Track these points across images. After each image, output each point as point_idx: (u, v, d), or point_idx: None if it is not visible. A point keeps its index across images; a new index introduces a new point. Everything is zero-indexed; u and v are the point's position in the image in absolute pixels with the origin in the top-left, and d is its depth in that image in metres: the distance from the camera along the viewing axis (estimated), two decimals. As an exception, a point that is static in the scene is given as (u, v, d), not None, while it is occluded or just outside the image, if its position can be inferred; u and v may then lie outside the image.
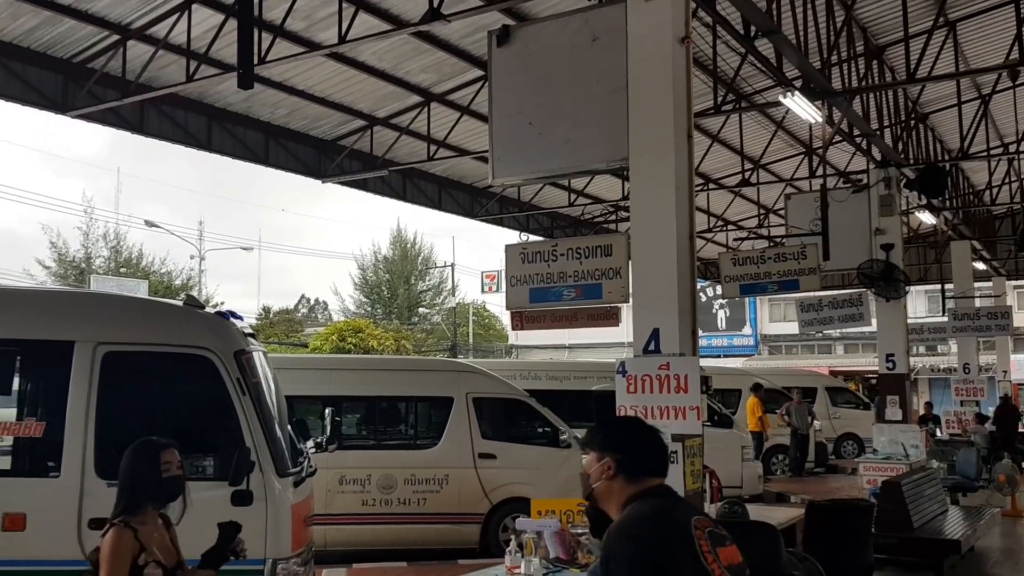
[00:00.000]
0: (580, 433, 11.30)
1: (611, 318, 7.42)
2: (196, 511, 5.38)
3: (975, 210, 22.96)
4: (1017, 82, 15.05)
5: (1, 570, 5.57)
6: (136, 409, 6.10)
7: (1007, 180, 20.27)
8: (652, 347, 6.55)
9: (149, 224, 36.30)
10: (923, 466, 12.63)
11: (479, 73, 12.71)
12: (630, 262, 6.90)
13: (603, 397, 14.24)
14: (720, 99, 13.07)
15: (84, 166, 78.58)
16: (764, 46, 10.24)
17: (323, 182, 14.92)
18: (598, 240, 7.27)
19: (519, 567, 5.23)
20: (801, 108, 10.71)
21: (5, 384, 6.19)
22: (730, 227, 21.75)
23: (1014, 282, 30.88)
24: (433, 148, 14.44)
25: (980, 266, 24.96)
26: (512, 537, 5.52)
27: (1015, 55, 11.72)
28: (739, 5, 8.37)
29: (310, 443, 7.58)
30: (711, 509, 7.35)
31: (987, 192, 21.47)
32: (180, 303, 6.72)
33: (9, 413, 6.28)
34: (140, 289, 31.37)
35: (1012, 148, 18.11)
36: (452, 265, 50.17)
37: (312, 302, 63.45)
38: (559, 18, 7.39)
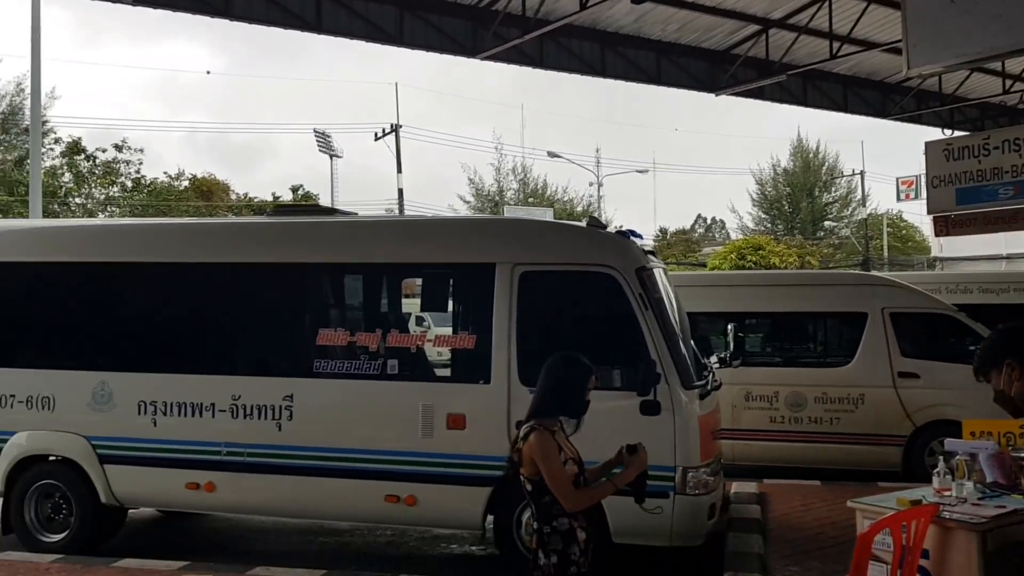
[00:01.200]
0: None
1: (1062, 216, 6.33)
2: (607, 418, 5.71)
3: None
4: None
5: (447, 462, 6.40)
6: (550, 324, 6.56)
7: None
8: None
9: (551, 155, 38.69)
10: None
11: (886, -46, 11.43)
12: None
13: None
14: None
15: (490, 106, 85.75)
16: None
17: (716, 95, 14.60)
18: (1043, 125, 6.18)
19: (949, 490, 4.74)
20: None
21: (442, 302, 7.04)
22: None
23: None
24: (836, 45, 13.36)
25: None
26: (940, 459, 5.02)
27: None
28: None
29: (713, 358, 7.60)
30: None
31: None
32: (584, 225, 7.06)
33: (446, 329, 7.16)
34: (547, 216, 33.68)
35: None
36: (861, 173, 46.73)
37: (709, 221, 63.39)
38: None
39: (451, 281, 7.01)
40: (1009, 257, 42.64)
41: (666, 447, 5.94)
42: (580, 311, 6.58)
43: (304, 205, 28.18)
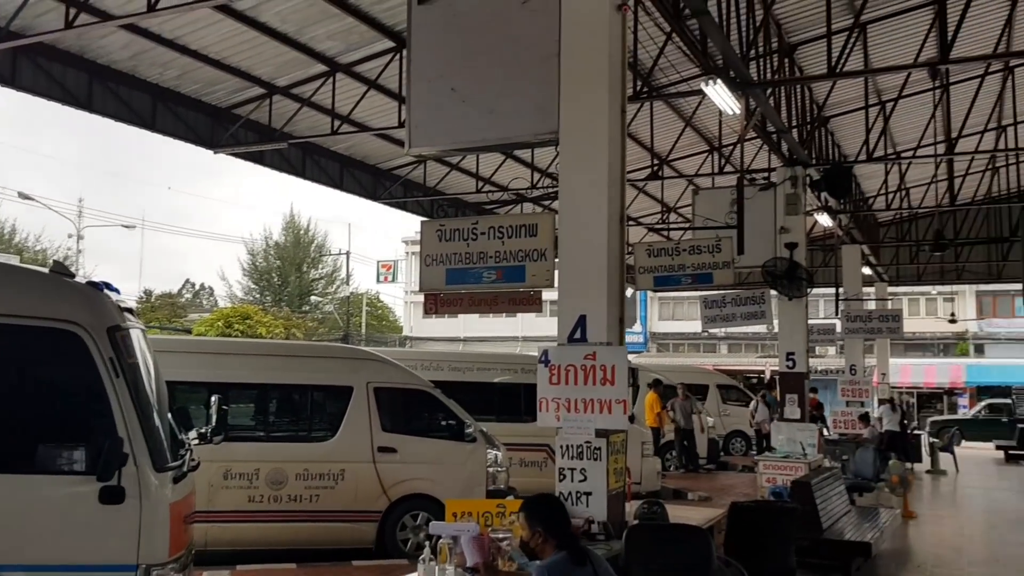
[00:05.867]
0: (485, 426, 10.81)
1: (533, 303, 6.93)
2: (53, 509, 4.65)
3: (864, 216, 23.63)
4: (936, 83, 15.45)
5: None
6: (-13, 390, 5.23)
7: (896, 187, 20.86)
8: (578, 335, 6.09)
9: (23, 196, 33.81)
10: (819, 465, 12.67)
11: (390, 44, 12.04)
12: (556, 244, 6.41)
13: (505, 390, 13.88)
14: (636, 88, 12.80)
15: (-51, 134, 73.04)
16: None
17: (215, 152, 13.88)
18: (522, 219, 6.76)
19: (433, 576, 4.66)
20: (721, 98, 10.48)
21: None
22: (630, 223, 21.61)
23: (899, 288, 32.19)
24: (337, 123, 13.63)
25: (866, 271, 25.83)
26: (425, 542, 4.96)
27: (926, 56, 11.90)
28: (672, -19, 8.00)
29: (193, 434, 6.80)
30: (629, 508, 6.94)
31: (878, 198, 22.11)
32: (46, 271, 5.85)
33: None
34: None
35: (906, 155, 18.63)
36: (347, 253, 48.92)
37: (197, 287, 61.14)
38: (487, -23, 6.82)
39: None
40: (465, 340, 48.19)
41: (128, 542, 5.02)
42: (33, 376, 5.36)
43: None
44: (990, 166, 21.57)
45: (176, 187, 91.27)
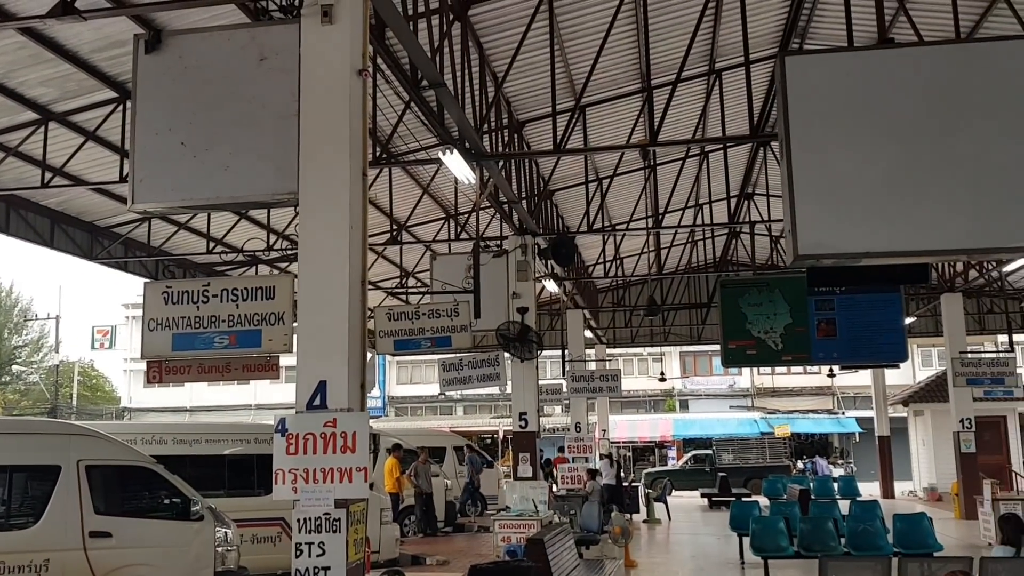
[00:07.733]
0: (213, 503, 10.15)
1: (270, 369, 6.66)
2: None
3: (585, 283, 25.36)
4: (645, 164, 17.01)
5: None
6: None
7: (612, 257, 22.62)
8: (318, 402, 5.93)
9: None
10: (551, 521, 13.17)
11: (111, 95, 11.27)
12: (295, 307, 6.24)
13: (237, 462, 13.13)
14: (375, 154, 12.93)
15: None
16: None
17: None
18: (259, 281, 6.50)
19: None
20: (457, 167, 10.85)
21: None
22: (369, 287, 21.56)
23: (616, 349, 34.66)
24: (48, 175, 12.46)
25: (588, 334, 27.65)
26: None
27: (637, 139, 13.13)
28: (411, 53, 8.23)
29: None
30: (369, 579, 6.79)
31: (597, 267, 23.83)
32: None
33: None
34: None
35: (620, 227, 20.32)
36: (57, 318, 44.41)
37: None
38: (222, 31, 6.61)
39: None
40: (191, 410, 45.22)
41: None
42: None
43: None
44: (690, 239, 24.09)
45: None
